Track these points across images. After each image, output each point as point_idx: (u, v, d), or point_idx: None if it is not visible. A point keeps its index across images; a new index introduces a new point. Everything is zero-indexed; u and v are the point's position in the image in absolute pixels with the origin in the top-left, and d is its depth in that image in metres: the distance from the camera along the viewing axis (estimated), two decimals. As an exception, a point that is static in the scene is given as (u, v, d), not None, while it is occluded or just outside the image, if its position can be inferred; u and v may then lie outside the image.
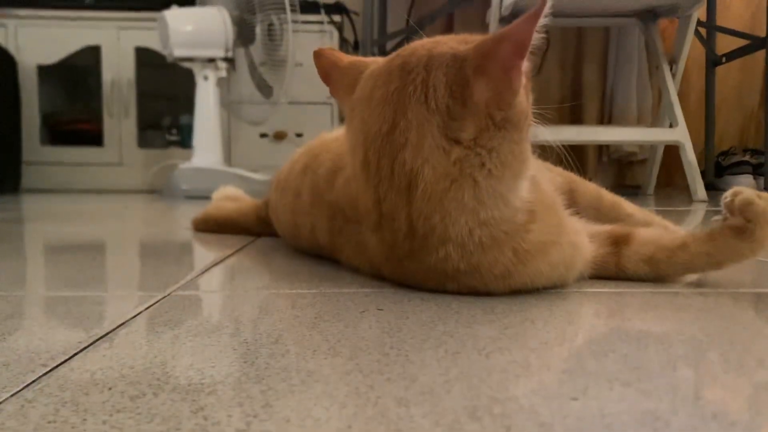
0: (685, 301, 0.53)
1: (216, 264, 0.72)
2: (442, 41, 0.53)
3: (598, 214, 0.72)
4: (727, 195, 0.60)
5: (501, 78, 0.49)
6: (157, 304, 0.51)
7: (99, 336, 0.41)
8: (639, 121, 2.86)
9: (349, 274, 0.63)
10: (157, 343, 0.40)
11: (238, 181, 2.29)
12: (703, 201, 2.11)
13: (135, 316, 0.47)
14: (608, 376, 0.34)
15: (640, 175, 2.99)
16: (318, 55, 0.60)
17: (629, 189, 3.10)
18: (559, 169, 0.74)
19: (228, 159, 2.62)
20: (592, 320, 0.48)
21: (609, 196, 0.73)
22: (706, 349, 0.39)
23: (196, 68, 2.32)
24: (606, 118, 2.95)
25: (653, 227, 0.72)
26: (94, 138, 2.74)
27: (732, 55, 2.59)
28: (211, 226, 1.09)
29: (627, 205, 0.73)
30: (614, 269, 0.62)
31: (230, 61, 2.37)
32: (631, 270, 0.61)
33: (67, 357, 0.37)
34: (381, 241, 0.55)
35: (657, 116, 2.43)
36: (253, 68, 2.38)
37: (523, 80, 0.50)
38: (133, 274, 0.70)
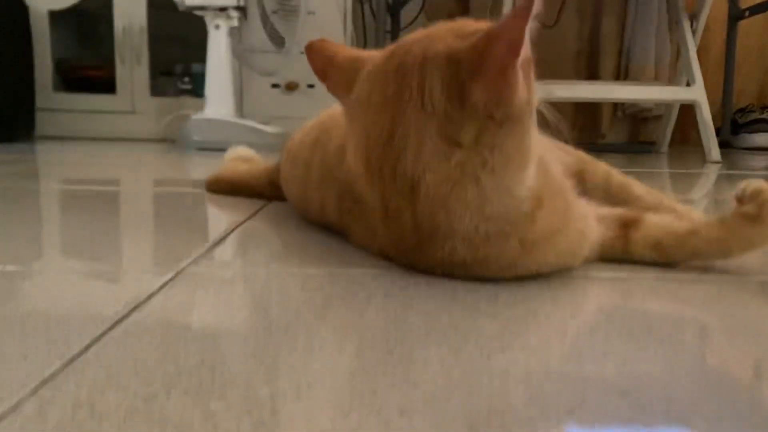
0: (690, 291, 0.54)
1: (228, 234, 0.73)
2: (438, 35, 0.52)
3: (606, 195, 0.72)
4: (740, 185, 0.60)
5: (497, 79, 0.48)
6: (169, 283, 0.52)
7: (101, 333, 0.42)
8: (656, 77, 2.81)
9: (357, 252, 0.64)
10: (168, 338, 0.41)
11: (250, 133, 2.29)
12: (717, 162, 2.09)
13: (149, 298, 0.48)
14: (606, 384, 0.35)
15: (655, 131, 2.96)
16: (311, 50, 0.59)
17: (644, 144, 3.07)
18: (570, 148, 0.74)
19: (240, 109, 2.60)
20: (594, 314, 0.49)
21: (618, 177, 0.73)
22: (710, 352, 0.40)
23: (207, 17, 2.29)
24: (622, 74, 2.90)
25: (662, 211, 0.72)
26: (107, 85, 2.73)
27: (756, 9, 2.52)
28: (224, 188, 1.10)
29: (636, 187, 0.73)
30: (621, 253, 0.62)
31: (242, 9, 2.34)
32: (638, 254, 0.62)
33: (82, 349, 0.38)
34: (388, 232, 0.56)
35: (675, 73, 2.39)
36: (264, 17, 2.35)
37: (520, 76, 0.49)
38: (146, 248, 0.71)
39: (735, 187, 0.61)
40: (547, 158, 0.59)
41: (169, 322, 0.43)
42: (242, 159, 1.21)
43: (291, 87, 2.72)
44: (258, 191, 1.05)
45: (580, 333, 0.44)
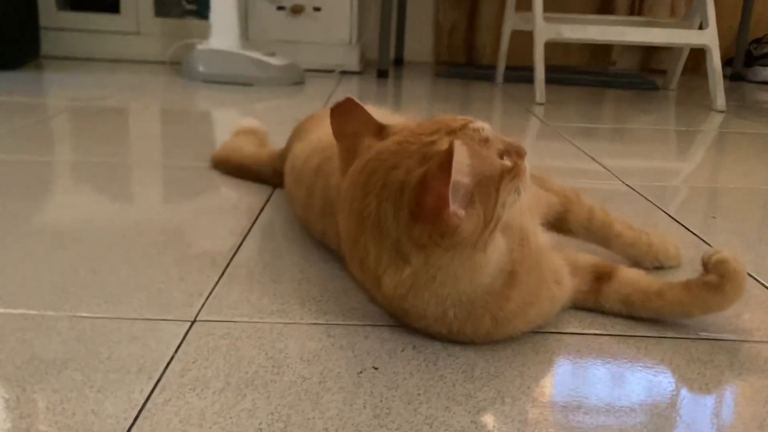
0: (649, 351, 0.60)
1: (225, 270, 0.79)
2: (407, 153, 0.54)
3: (588, 233, 0.77)
4: (706, 253, 0.65)
5: (434, 221, 0.52)
6: (183, 344, 0.59)
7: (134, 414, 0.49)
8: (673, 11, 2.74)
9: (354, 291, 0.70)
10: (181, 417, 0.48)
11: (255, 66, 2.29)
12: (722, 111, 2.09)
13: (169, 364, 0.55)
14: None
15: (666, 60, 2.91)
16: (334, 114, 0.62)
17: (654, 73, 3.03)
18: (559, 187, 0.78)
19: (245, 34, 2.58)
20: (560, 397, 0.55)
21: (600, 217, 0.78)
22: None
23: (211, -63, 2.23)
24: (636, 8, 2.82)
25: (640, 247, 0.78)
26: (111, 4, 2.69)
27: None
28: (230, 171, 1.15)
29: (616, 226, 0.78)
30: (592, 305, 0.69)
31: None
32: (607, 308, 0.68)
33: None
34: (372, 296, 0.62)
35: (690, 10, 2.33)
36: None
37: (460, 217, 0.51)
38: (154, 284, 0.77)
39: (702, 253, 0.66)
40: (527, 227, 0.63)
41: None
42: (249, 132, 1.25)
43: (296, 10, 2.67)
44: (262, 178, 1.10)
45: (539, 426, 0.51)
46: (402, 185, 0.53)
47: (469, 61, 3.30)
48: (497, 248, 0.58)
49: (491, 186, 0.54)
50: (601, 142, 1.66)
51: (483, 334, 0.60)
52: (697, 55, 2.79)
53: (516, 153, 0.58)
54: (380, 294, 0.59)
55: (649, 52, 3.09)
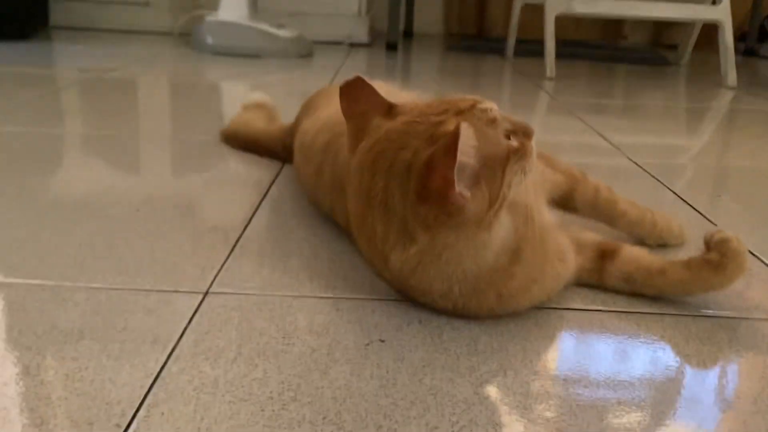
0: (651, 329, 0.62)
1: (236, 244, 0.81)
2: (415, 133, 0.55)
3: (594, 211, 0.79)
4: (708, 232, 0.66)
5: (440, 202, 0.53)
6: (198, 314, 0.61)
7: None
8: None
9: (361, 267, 0.72)
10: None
11: (264, 38, 2.29)
12: (732, 88, 2.08)
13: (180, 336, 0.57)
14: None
15: (678, 34, 2.89)
16: (343, 93, 0.62)
17: (666, 48, 3.01)
18: (565, 166, 0.79)
19: (254, 4, 2.56)
20: (561, 370, 0.57)
21: (605, 196, 0.78)
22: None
23: None
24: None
25: (645, 225, 0.79)
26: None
27: None
28: (240, 145, 1.16)
29: (621, 205, 0.79)
30: (596, 282, 0.70)
31: None
32: (610, 285, 0.69)
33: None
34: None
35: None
36: None
37: (466, 198, 0.53)
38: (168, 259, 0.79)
39: (704, 233, 0.67)
40: (533, 204, 0.65)
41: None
42: (258, 106, 1.26)
43: (306, -19, 2.65)
44: (271, 153, 1.11)
45: (541, 400, 0.53)
46: (409, 166, 0.54)
47: (480, 33, 3.27)
48: (502, 227, 0.59)
49: (497, 167, 0.55)
50: (610, 118, 1.66)
51: (487, 309, 0.61)
52: (711, 29, 2.76)
53: (523, 133, 0.59)
54: (387, 271, 0.60)
55: (660, 26, 3.06)
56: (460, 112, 0.56)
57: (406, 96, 0.97)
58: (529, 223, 0.62)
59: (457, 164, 0.50)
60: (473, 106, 0.57)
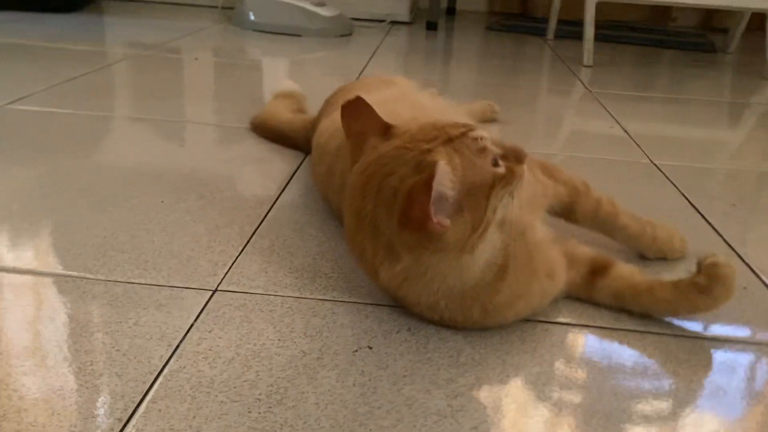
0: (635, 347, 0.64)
1: (249, 239, 0.86)
2: (402, 158, 0.58)
3: (594, 224, 0.80)
4: (702, 255, 0.68)
5: (420, 230, 0.56)
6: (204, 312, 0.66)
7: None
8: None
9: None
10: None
11: (305, 16, 2.31)
12: (777, 82, 2.02)
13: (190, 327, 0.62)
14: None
15: (728, 18, 2.80)
16: (344, 112, 0.65)
17: (715, 32, 2.92)
18: (567, 178, 0.80)
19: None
20: (536, 386, 0.60)
21: (606, 208, 0.80)
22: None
23: None
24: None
25: (644, 240, 0.80)
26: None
27: None
28: (267, 135, 1.21)
29: (622, 218, 0.80)
30: (585, 296, 0.72)
31: None
32: (599, 300, 0.72)
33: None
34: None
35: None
36: None
37: (445, 226, 0.55)
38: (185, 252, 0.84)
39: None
40: (525, 222, 0.67)
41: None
42: (287, 96, 1.30)
43: (349, -42, 2.65)
44: (296, 144, 1.15)
45: (516, 421, 0.56)
46: (395, 192, 0.58)
47: (523, 11, 3.23)
48: (489, 245, 0.62)
49: (481, 194, 0.58)
50: (642, 113, 1.64)
51: (473, 322, 0.65)
52: (764, 14, 2.67)
53: (515, 158, 0.61)
54: (378, 282, 0.64)
55: (711, 9, 2.97)
56: (449, 140, 0.59)
57: (422, 97, 0.99)
58: (519, 240, 0.65)
59: (433, 197, 0.53)
60: (464, 134, 0.60)
